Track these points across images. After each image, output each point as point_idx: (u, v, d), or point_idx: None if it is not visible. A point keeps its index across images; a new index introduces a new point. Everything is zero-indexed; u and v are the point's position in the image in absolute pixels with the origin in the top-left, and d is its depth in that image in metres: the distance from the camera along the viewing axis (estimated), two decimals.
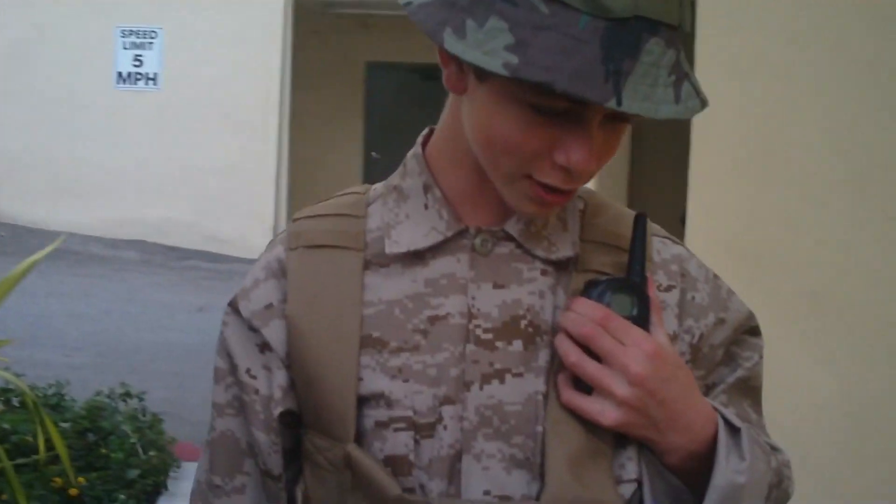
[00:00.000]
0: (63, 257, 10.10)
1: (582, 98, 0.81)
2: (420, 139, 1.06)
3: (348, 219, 1.04)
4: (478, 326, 0.98)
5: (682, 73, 0.85)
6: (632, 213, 1.04)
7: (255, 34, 11.32)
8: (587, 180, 0.93)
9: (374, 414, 0.98)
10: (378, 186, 1.08)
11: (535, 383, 0.97)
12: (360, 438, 0.98)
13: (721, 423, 0.98)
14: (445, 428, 0.97)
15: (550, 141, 0.89)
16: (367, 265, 1.01)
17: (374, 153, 13.58)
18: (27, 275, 2.86)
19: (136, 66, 11.42)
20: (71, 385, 4.44)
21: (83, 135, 11.20)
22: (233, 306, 1.05)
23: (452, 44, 0.84)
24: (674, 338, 1.01)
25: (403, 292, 1.00)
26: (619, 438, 0.96)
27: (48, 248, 2.95)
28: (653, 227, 1.06)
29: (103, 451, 3.97)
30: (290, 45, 11.59)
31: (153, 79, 11.44)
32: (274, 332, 1.02)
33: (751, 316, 1.09)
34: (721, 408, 1.00)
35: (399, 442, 0.97)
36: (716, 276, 1.08)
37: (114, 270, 10.02)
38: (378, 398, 0.98)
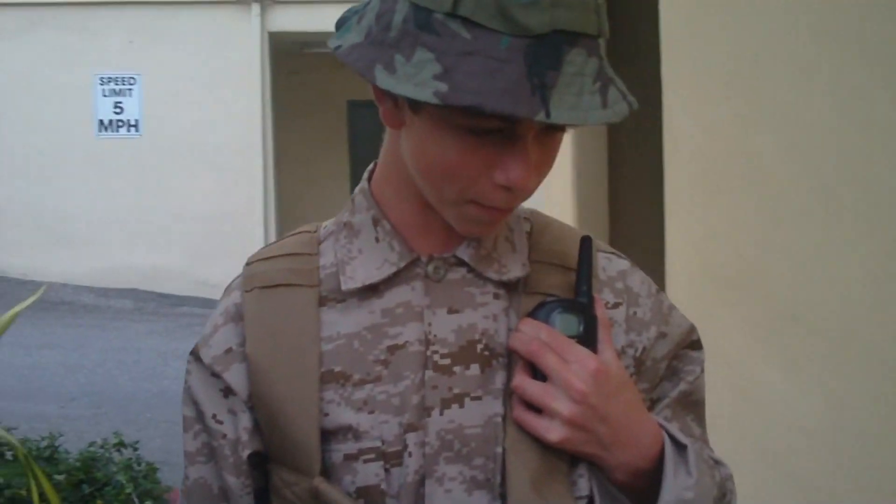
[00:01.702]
0: (55, 308, 10.07)
1: (511, 115, 0.82)
2: (366, 174, 1.08)
3: (301, 257, 1.05)
4: (435, 352, 0.99)
5: (607, 79, 0.87)
6: (575, 230, 1.07)
7: (234, 77, 11.37)
8: (529, 196, 0.95)
9: (343, 447, 0.98)
10: (328, 224, 1.09)
11: (494, 405, 0.99)
12: (328, 472, 0.98)
13: (667, 440, 1.00)
14: (410, 455, 0.98)
15: (488, 162, 0.91)
16: (323, 301, 1.02)
17: None
18: (10, 326, 2.85)
19: (116, 113, 11.46)
20: (66, 436, 4.42)
21: (68, 184, 11.22)
22: (194, 354, 1.06)
23: (384, 79, 0.86)
24: (621, 353, 1.04)
25: (361, 325, 1.01)
26: (572, 456, 0.98)
27: (29, 300, 2.94)
28: (598, 243, 1.08)
29: (99, 502, 3.94)
30: (270, 86, 11.63)
31: (134, 125, 11.48)
32: (235, 376, 1.03)
33: (692, 330, 1.11)
34: (666, 424, 1.02)
35: (370, 472, 0.98)
36: (658, 291, 1.11)
37: (107, 320, 9.99)
38: (346, 431, 0.99)
